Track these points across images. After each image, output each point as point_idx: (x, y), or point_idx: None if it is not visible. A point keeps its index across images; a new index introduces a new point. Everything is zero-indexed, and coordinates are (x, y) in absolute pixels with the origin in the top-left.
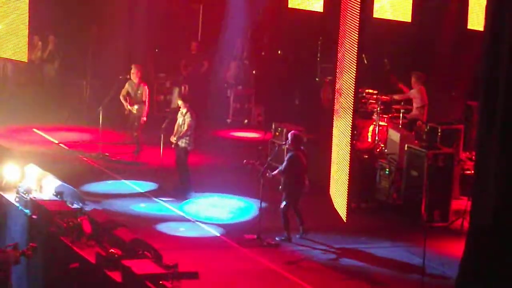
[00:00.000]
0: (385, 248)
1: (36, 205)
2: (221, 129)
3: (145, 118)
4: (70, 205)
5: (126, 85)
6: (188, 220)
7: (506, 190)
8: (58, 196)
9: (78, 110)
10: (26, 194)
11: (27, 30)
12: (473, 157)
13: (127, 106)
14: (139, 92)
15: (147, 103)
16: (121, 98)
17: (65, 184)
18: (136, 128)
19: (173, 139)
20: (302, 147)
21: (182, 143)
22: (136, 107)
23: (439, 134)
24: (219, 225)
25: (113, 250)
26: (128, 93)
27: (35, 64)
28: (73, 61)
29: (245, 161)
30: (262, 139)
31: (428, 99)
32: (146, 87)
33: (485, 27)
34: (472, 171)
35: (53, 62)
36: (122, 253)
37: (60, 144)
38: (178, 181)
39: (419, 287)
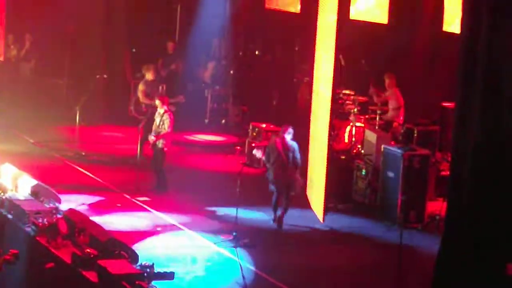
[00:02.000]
0: (362, 248)
1: (12, 205)
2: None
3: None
4: (46, 205)
5: (142, 85)
6: (164, 219)
7: (480, 190)
8: (34, 196)
9: (54, 109)
10: (1, 194)
11: (3, 29)
12: (449, 158)
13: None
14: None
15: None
16: (144, 99)
17: (41, 184)
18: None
19: (151, 138)
20: (285, 136)
21: (159, 144)
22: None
23: (415, 135)
24: (195, 224)
25: (89, 250)
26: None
27: (11, 63)
28: (50, 60)
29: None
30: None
31: (404, 100)
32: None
33: (461, 29)
34: (448, 172)
35: (30, 61)
36: (98, 253)
37: (36, 143)
38: (154, 181)
39: (395, 287)
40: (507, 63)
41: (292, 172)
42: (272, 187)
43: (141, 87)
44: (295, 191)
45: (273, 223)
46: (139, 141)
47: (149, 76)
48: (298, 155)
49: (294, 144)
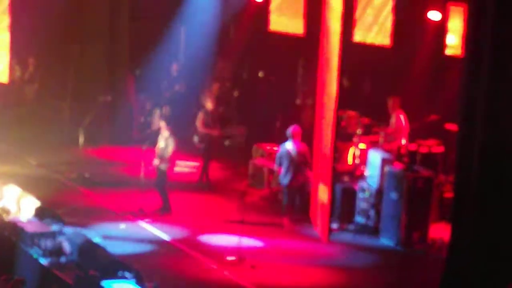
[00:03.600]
0: (364, 270)
1: (15, 227)
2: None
3: None
4: (49, 226)
5: (201, 115)
6: (167, 242)
7: (484, 212)
8: (38, 217)
9: (58, 131)
10: (5, 215)
11: (9, 52)
12: (452, 180)
13: (216, 133)
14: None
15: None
16: (202, 128)
17: (45, 205)
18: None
19: (155, 162)
20: (296, 138)
21: (163, 166)
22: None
23: (419, 157)
24: (200, 246)
25: (92, 272)
26: (205, 122)
27: (16, 85)
28: (53, 82)
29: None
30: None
31: (408, 122)
32: None
33: (464, 54)
34: (451, 194)
35: (34, 83)
36: (102, 275)
37: (39, 165)
38: (158, 203)
39: None
40: (508, 86)
41: (305, 173)
42: (284, 192)
43: (200, 116)
44: (307, 192)
45: (283, 227)
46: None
47: (208, 105)
48: (308, 156)
49: (303, 146)
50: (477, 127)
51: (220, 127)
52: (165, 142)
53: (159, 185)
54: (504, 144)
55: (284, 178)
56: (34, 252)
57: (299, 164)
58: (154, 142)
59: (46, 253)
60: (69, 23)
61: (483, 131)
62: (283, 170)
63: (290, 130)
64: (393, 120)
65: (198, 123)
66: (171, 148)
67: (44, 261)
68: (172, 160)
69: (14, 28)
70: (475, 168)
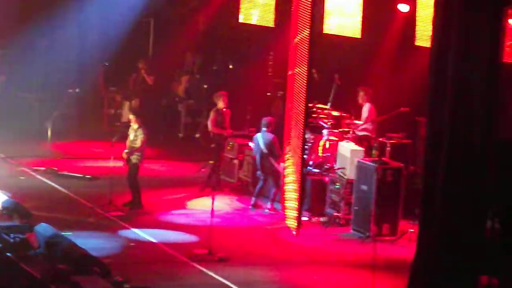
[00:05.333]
0: (335, 262)
1: None
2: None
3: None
4: (16, 220)
5: (213, 114)
6: (138, 235)
7: (452, 202)
8: (5, 211)
9: (27, 124)
10: None
11: None
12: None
13: (227, 133)
14: (223, 118)
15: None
16: (213, 128)
17: (12, 199)
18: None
19: (124, 154)
20: (263, 129)
21: (133, 159)
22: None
23: (388, 149)
24: (170, 239)
25: (61, 266)
26: (216, 122)
27: None
28: (22, 74)
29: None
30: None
31: (377, 114)
32: (229, 112)
33: (431, 45)
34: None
35: (1, 75)
36: (70, 269)
37: (8, 159)
38: (129, 196)
39: None
40: (475, 77)
41: (272, 165)
42: (258, 173)
43: (211, 115)
44: (277, 181)
45: (252, 208)
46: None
47: (220, 104)
48: (274, 148)
49: (270, 137)
50: (445, 118)
51: (229, 126)
52: (134, 134)
53: (130, 179)
54: (471, 136)
55: (254, 169)
56: (2, 246)
57: (267, 155)
58: (124, 135)
59: (14, 247)
60: (38, 15)
61: (451, 123)
62: (256, 159)
63: (262, 121)
64: (363, 112)
65: (210, 123)
66: (140, 140)
67: (11, 255)
68: (141, 152)
69: None
70: (443, 160)
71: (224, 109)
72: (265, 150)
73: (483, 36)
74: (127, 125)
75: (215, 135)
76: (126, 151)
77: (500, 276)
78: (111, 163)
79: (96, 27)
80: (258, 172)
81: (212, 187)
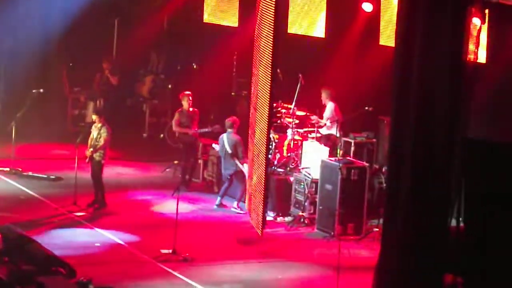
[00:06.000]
0: (299, 262)
1: None
2: None
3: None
4: None
5: (177, 115)
6: (103, 235)
7: (416, 201)
8: None
9: None
10: None
11: None
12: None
13: (191, 132)
14: (189, 119)
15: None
16: (177, 128)
17: None
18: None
19: (88, 152)
20: (228, 130)
21: (97, 156)
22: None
23: (352, 148)
24: (135, 240)
25: (26, 267)
26: (180, 122)
27: None
28: None
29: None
30: None
31: (341, 114)
32: (197, 113)
33: (395, 45)
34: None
35: None
36: (35, 270)
37: None
38: (93, 197)
39: None
40: (439, 77)
41: (235, 162)
42: (223, 176)
43: (176, 115)
44: (240, 181)
45: (217, 208)
46: (75, 156)
47: (185, 105)
48: (239, 148)
49: (235, 138)
50: (409, 118)
51: (197, 125)
52: (98, 132)
53: (94, 177)
54: (435, 136)
55: (219, 169)
56: None
57: (231, 155)
58: (89, 135)
59: None
60: (1, 16)
61: (415, 122)
62: (218, 160)
63: (226, 122)
64: (327, 111)
65: (173, 123)
66: (103, 138)
67: None
68: (105, 150)
69: None
70: (407, 160)
71: (190, 109)
72: (229, 151)
73: (446, 35)
74: (92, 125)
75: (181, 135)
76: (90, 149)
77: (464, 275)
78: (75, 164)
79: (60, 26)
80: (223, 173)
81: (176, 187)
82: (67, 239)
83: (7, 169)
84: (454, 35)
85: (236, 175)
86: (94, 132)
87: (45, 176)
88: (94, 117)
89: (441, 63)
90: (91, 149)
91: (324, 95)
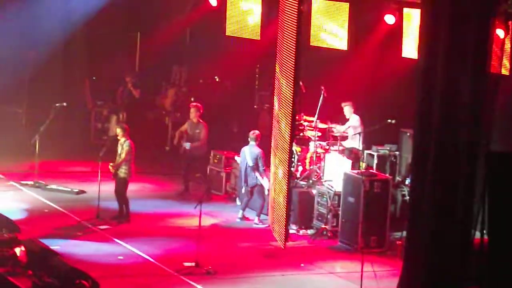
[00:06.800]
0: (322, 275)
1: None
2: None
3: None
4: (4, 234)
5: (186, 125)
6: (126, 248)
7: (439, 213)
8: None
9: (14, 138)
10: None
11: None
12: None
13: (176, 141)
14: (197, 131)
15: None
16: (177, 133)
17: (0, 213)
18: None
19: (111, 167)
20: (250, 142)
21: (121, 173)
22: (188, 144)
23: (375, 160)
24: (158, 252)
25: (49, 280)
26: (186, 132)
27: None
28: (9, 88)
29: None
30: None
31: (364, 126)
32: (204, 127)
33: (418, 57)
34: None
35: None
36: (59, 283)
37: None
38: (117, 210)
39: None
40: (463, 88)
41: (256, 176)
42: (244, 189)
43: (185, 125)
44: (260, 195)
45: (239, 221)
46: (98, 170)
47: (191, 116)
48: (260, 161)
49: (257, 151)
50: (432, 130)
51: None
52: (121, 148)
53: (118, 192)
54: (458, 147)
55: (240, 181)
56: None
57: (252, 168)
58: (111, 149)
59: (2, 261)
60: (25, 28)
61: (438, 134)
62: (241, 172)
63: (250, 134)
64: (349, 124)
65: (180, 130)
66: (124, 153)
67: (0, 270)
68: (131, 166)
69: None
70: (430, 172)
71: (194, 120)
72: (251, 163)
73: (470, 47)
74: (114, 138)
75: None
76: (111, 164)
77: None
78: (98, 177)
79: (83, 39)
80: (244, 186)
81: (199, 200)
82: (90, 252)
83: (31, 182)
84: (477, 47)
85: (257, 188)
86: (119, 147)
87: (69, 189)
88: (118, 130)
89: (465, 74)
90: (113, 164)
91: (347, 109)
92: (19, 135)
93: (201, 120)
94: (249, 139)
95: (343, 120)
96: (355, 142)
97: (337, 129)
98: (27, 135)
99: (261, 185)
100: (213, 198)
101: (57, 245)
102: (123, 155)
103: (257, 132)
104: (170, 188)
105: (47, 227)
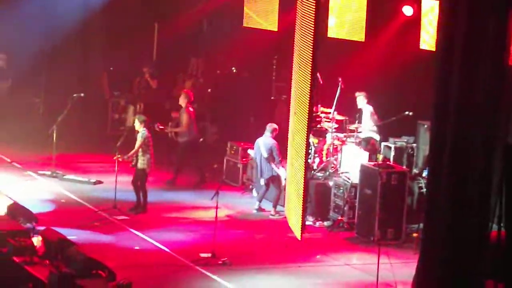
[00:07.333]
0: (339, 266)
1: None
2: None
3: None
4: (22, 224)
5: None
6: (143, 239)
7: (457, 206)
8: (10, 215)
9: (32, 128)
10: None
11: None
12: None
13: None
14: (182, 117)
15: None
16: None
17: (18, 203)
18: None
19: (126, 157)
20: (265, 133)
21: (140, 164)
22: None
23: (392, 152)
24: (174, 243)
25: (66, 270)
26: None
27: None
28: (27, 79)
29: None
30: None
31: (381, 118)
32: (186, 113)
33: (436, 49)
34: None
35: (6, 79)
36: (76, 273)
37: (13, 163)
38: (134, 201)
39: None
40: (481, 81)
41: (272, 167)
42: (261, 181)
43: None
44: (276, 186)
45: (255, 212)
46: (116, 160)
47: (181, 102)
48: (275, 152)
49: (271, 142)
50: (449, 122)
51: (187, 126)
52: (138, 138)
53: (135, 183)
54: (476, 140)
55: (257, 174)
56: (7, 250)
57: (267, 159)
58: (128, 139)
59: (20, 251)
60: (42, 18)
61: (456, 126)
62: (256, 164)
63: (268, 126)
64: (366, 115)
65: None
66: (137, 144)
67: (17, 259)
68: (150, 158)
69: None
70: (447, 164)
71: (185, 108)
72: (265, 155)
73: (488, 40)
74: (131, 129)
75: (173, 134)
76: (118, 156)
77: (506, 281)
78: (116, 168)
79: (100, 30)
80: (260, 177)
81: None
82: (107, 242)
83: (48, 172)
84: (496, 39)
85: (273, 179)
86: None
87: (86, 179)
88: (135, 122)
89: (483, 67)
90: (118, 156)
91: (360, 99)
92: (37, 124)
93: (191, 108)
94: (266, 130)
95: (360, 112)
96: (372, 133)
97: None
98: (44, 125)
99: (278, 176)
100: (229, 189)
101: (74, 235)
102: (136, 146)
103: (274, 125)
104: (187, 179)
105: (64, 217)
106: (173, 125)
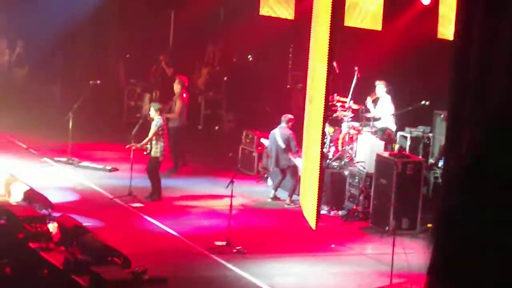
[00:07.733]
0: (353, 256)
1: (4, 210)
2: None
3: None
4: (38, 211)
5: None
6: (158, 226)
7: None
8: (27, 201)
9: (48, 115)
10: None
11: None
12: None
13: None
14: (175, 103)
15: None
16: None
17: (34, 189)
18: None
19: (138, 145)
20: (281, 124)
21: (154, 152)
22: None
23: (408, 142)
24: (189, 231)
25: (81, 256)
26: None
27: (5, 68)
28: (43, 66)
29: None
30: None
31: (397, 107)
32: (179, 99)
33: (454, 39)
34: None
35: (23, 66)
36: (91, 259)
37: (30, 149)
38: (150, 188)
39: None
40: (498, 70)
41: (288, 158)
42: (275, 170)
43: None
44: (293, 176)
45: (270, 201)
46: (131, 148)
47: (175, 89)
48: (292, 142)
49: (288, 132)
50: (466, 112)
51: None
52: (152, 127)
53: (150, 171)
54: (492, 131)
55: (271, 163)
56: (24, 236)
57: (284, 150)
58: (144, 127)
59: (35, 237)
60: (60, 7)
61: (472, 116)
62: (271, 154)
63: (283, 117)
64: (381, 105)
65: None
66: (151, 132)
67: (33, 245)
68: (164, 146)
69: (3, 10)
70: (464, 154)
71: (179, 94)
72: (282, 145)
73: (506, 32)
74: (147, 116)
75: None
76: (132, 144)
77: None
78: (131, 155)
79: (116, 17)
80: (275, 167)
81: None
82: (123, 230)
83: (64, 159)
84: None
85: (290, 169)
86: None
87: (101, 166)
88: (151, 110)
89: (501, 57)
90: (132, 144)
91: (380, 88)
92: (54, 111)
93: (185, 94)
94: (282, 120)
95: (375, 101)
96: (388, 122)
97: (372, 112)
98: (61, 112)
99: (295, 166)
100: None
101: (89, 222)
102: (149, 134)
103: (290, 116)
104: (202, 167)
105: (80, 204)
106: (167, 111)
